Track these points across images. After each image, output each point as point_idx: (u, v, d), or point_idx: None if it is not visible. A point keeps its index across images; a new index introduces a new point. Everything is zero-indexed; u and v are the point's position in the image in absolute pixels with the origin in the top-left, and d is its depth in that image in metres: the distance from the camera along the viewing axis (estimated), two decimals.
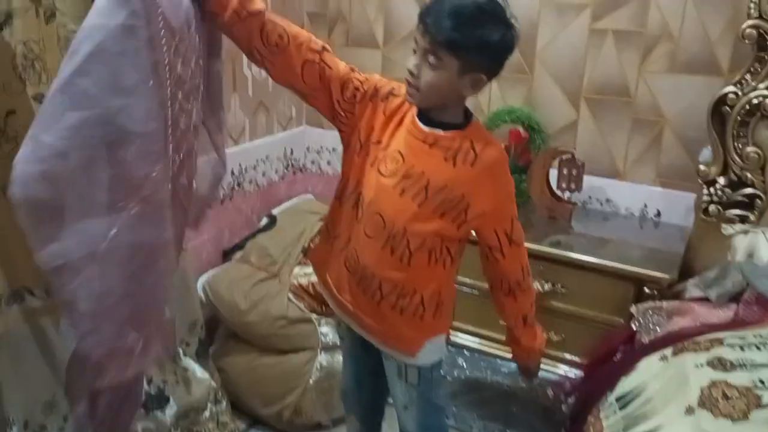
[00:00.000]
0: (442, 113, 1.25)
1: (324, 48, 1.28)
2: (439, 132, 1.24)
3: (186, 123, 1.14)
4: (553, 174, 2.20)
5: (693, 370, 1.28)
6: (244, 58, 2.31)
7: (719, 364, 1.27)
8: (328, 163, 2.76)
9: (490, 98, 2.39)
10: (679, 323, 1.60)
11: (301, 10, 2.61)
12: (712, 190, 1.95)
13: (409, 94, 1.22)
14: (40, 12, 1.31)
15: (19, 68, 1.25)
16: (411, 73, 1.19)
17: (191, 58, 1.13)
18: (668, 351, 1.41)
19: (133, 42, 0.95)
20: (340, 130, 1.35)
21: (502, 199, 1.30)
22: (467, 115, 1.29)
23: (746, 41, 1.84)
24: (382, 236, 1.26)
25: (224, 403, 1.99)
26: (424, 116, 1.26)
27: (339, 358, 2.04)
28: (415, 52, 1.19)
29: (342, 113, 1.31)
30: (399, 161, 1.25)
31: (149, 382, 1.71)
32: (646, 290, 1.83)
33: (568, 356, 1.98)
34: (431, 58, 1.16)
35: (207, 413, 1.91)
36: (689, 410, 1.18)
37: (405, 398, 1.44)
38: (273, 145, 2.58)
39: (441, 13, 1.13)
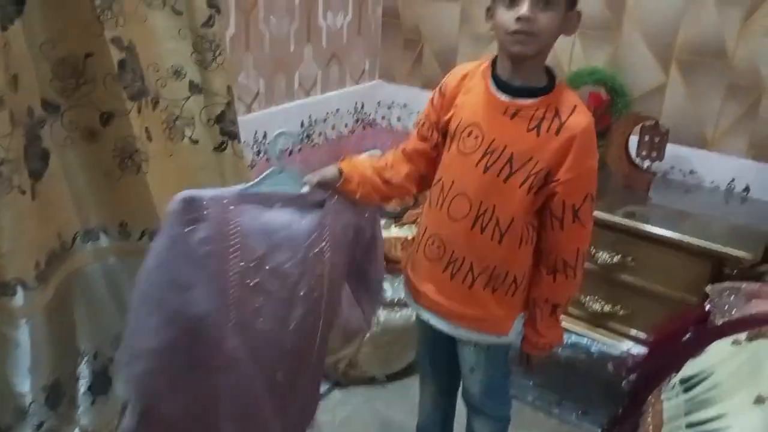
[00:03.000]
0: (526, 75, 1.20)
1: (402, 151, 1.37)
2: (521, 101, 1.19)
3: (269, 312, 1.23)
4: (634, 141, 2.08)
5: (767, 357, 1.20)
6: (320, 9, 2.30)
7: None
8: (398, 119, 2.73)
9: (572, 57, 2.27)
10: (758, 306, 1.49)
11: None
12: None
13: (522, 43, 1.15)
14: None
15: (97, 10, 1.28)
16: (525, 19, 1.12)
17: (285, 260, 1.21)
18: (742, 335, 1.32)
19: (187, 248, 1.11)
20: None
21: (582, 173, 1.21)
22: (551, 79, 1.23)
23: None
24: (470, 216, 1.24)
25: None
26: (502, 84, 1.21)
27: (396, 315, 2.06)
28: (513, 2, 1.13)
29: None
30: (479, 136, 1.22)
31: None
32: (725, 269, 1.72)
33: (633, 332, 1.91)
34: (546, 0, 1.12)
35: None
36: (759, 400, 1.11)
37: (472, 360, 1.42)
38: (344, 99, 2.56)
39: None
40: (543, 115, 1.18)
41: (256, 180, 1.20)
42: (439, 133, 1.32)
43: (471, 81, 1.27)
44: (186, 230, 1.10)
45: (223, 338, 1.17)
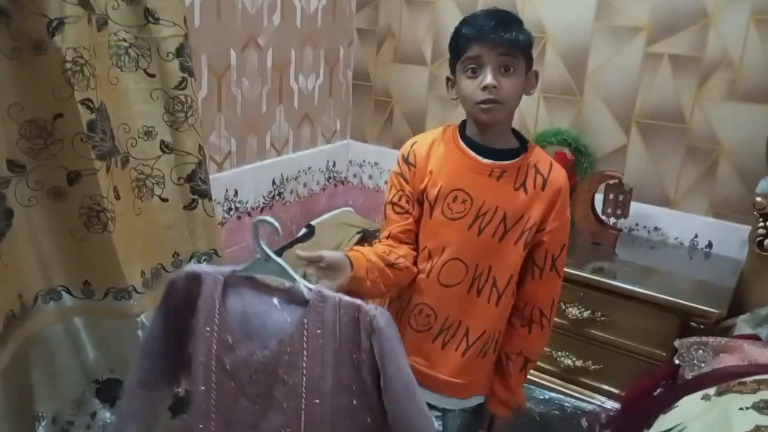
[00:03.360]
0: (498, 139, 1.24)
1: (388, 236, 1.29)
2: (503, 162, 1.23)
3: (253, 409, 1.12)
4: (599, 199, 2.13)
5: (737, 412, 1.20)
6: (292, 71, 2.36)
7: (766, 407, 1.19)
8: (370, 177, 2.76)
9: (537, 119, 2.34)
10: (726, 361, 1.51)
11: (351, 26, 2.64)
12: None
13: (490, 111, 1.18)
14: (92, 20, 1.35)
15: (68, 73, 1.29)
16: (491, 87, 1.15)
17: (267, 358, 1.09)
18: (712, 390, 1.33)
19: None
20: None
21: (563, 223, 1.26)
22: (520, 138, 1.28)
23: None
24: (466, 281, 1.25)
25: None
26: (478, 148, 1.24)
27: None
28: (474, 71, 1.17)
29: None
30: (467, 200, 1.23)
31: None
32: (693, 324, 1.74)
33: (605, 387, 1.90)
34: (507, 66, 1.16)
35: None
36: None
37: (456, 423, 1.39)
38: (316, 157, 2.60)
39: (503, 22, 1.15)
40: (526, 173, 1.23)
41: (243, 266, 1.13)
42: (419, 205, 1.29)
43: (438, 148, 1.28)
44: (179, 303, 1.12)
45: (204, 417, 1.13)
